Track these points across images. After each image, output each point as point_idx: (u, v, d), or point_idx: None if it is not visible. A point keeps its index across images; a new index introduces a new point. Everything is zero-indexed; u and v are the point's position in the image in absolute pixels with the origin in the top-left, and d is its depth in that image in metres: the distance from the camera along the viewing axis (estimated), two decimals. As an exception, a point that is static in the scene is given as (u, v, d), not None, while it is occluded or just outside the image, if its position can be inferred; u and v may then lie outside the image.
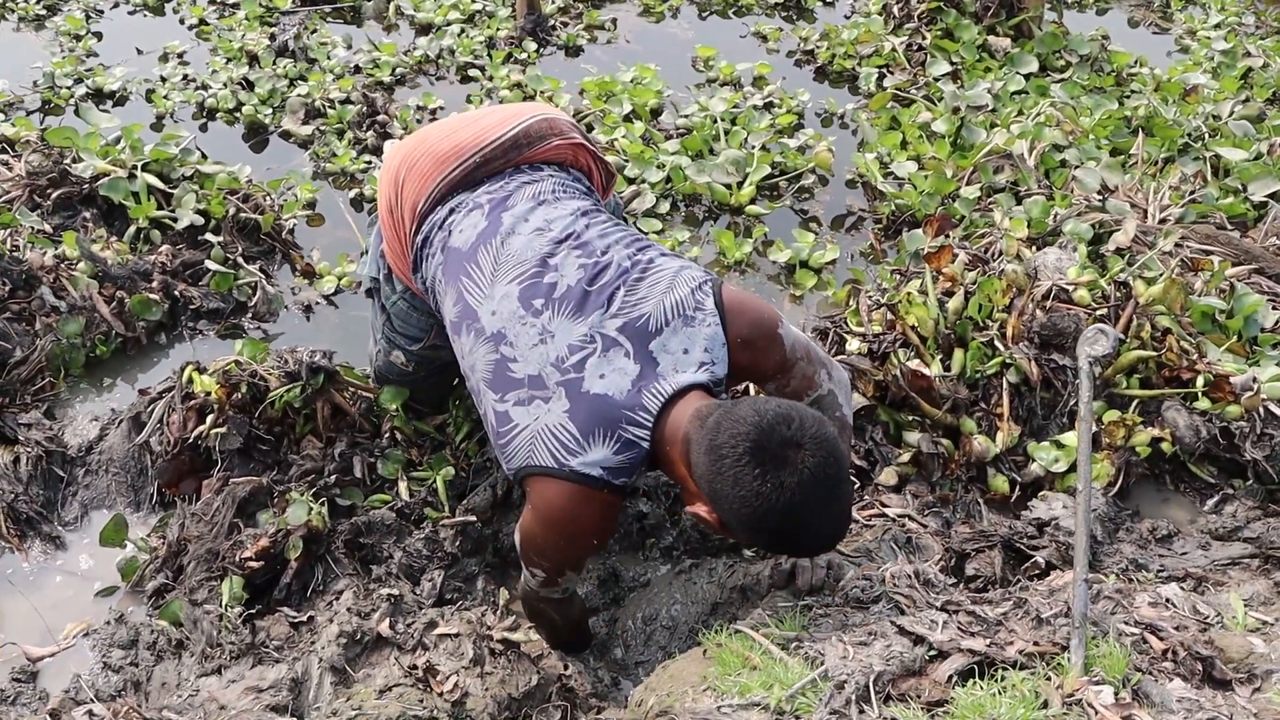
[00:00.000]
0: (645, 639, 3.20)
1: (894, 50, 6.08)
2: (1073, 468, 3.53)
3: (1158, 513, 3.58)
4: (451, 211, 2.91)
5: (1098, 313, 3.76)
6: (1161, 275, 3.89)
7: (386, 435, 3.54)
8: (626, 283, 2.62)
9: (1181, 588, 2.95)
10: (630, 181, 5.09)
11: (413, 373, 3.45)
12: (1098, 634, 2.55)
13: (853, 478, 3.57)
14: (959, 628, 2.64)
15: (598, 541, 2.65)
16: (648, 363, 2.54)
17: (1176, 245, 4.12)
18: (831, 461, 2.33)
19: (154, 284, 4.25)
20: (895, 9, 6.38)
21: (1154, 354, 3.66)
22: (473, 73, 6.11)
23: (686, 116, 5.57)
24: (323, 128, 5.50)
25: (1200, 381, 3.64)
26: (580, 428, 2.48)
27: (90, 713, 2.55)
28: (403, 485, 3.43)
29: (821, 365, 2.80)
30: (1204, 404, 3.62)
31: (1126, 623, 2.67)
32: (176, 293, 4.30)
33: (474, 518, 3.34)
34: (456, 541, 3.30)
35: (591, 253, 2.68)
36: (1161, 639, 2.61)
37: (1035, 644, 2.54)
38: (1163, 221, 4.34)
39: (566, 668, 2.98)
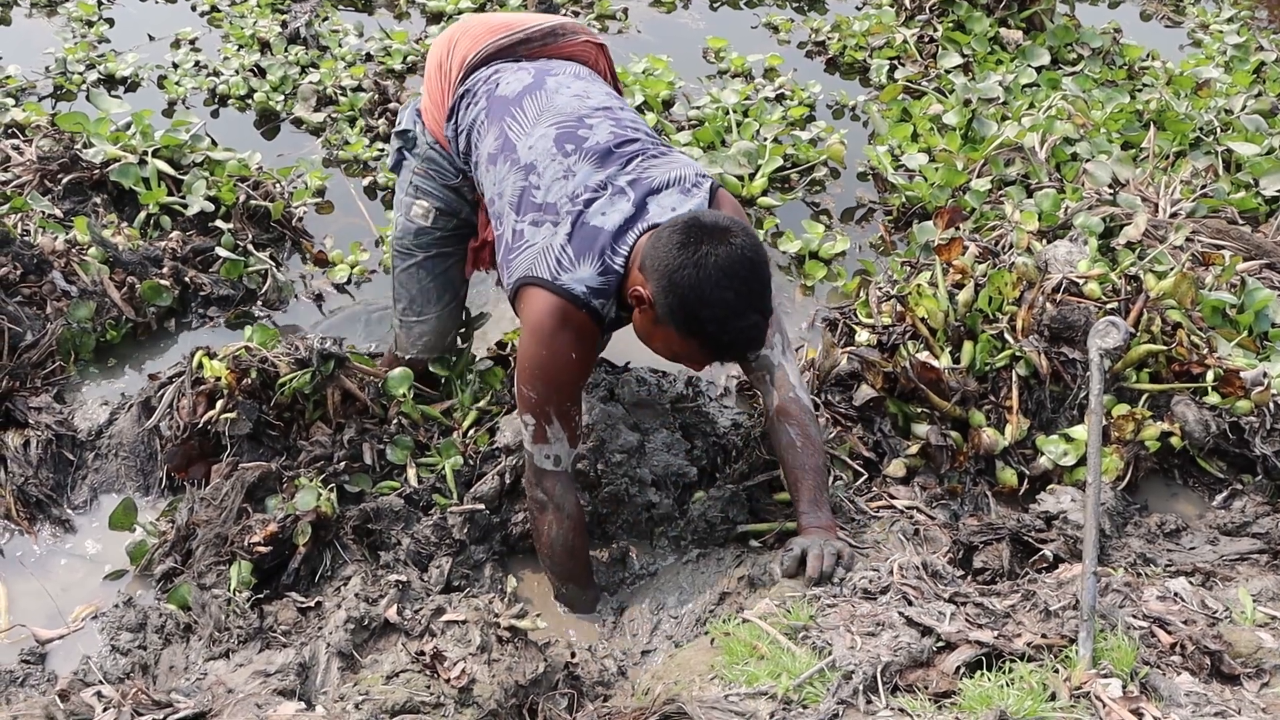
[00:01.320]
0: (652, 628, 3.20)
1: (905, 42, 6.06)
2: (1081, 461, 3.53)
3: (1166, 507, 3.59)
4: (497, 70, 3.27)
5: (1108, 306, 3.74)
6: (1172, 269, 3.88)
7: (395, 421, 3.55)
8: (645, 156, 3.02)
9: (1190, 582, 2.95)
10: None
11: (430, 228, 3.52)
12: (1106, 627, 2.56)
13: (862, 467, 3.58)
14: (967, 619, 2.66)
15: (576, 357, 2.95)
16: (641, 209, 2.92)
17: (1187, 240, 4.11)
18: (757, 251, 2.73)
19: (164, 270, 4.25)
20: (907, 1, 6.35)
21: (1164, 348, 3.66)
22: (483, 61, 6.08)
23: (698, 108, 5.56)
24: (334, 115, 5.50)
25: (1210, 376, 3.64)
26: (575, 250, 2.89)
27: (99, 694, 2.53)
28: (411, 471, 3.44)
29: (778, 332, 3.12)
30: (1214, 399, 3.62)
31: (1135, 616, 2.68)
32: (187, 279, 4.30)
33: (482, 505, 3.35)
34: (464, 529, 3.30)
35: (623, 126, 3.08)
36: (1170, 633, 2.62)
37: (1043, 636, 2.55)
38: (1174, 216, 4.33)
39: (573, 655, 2.98)
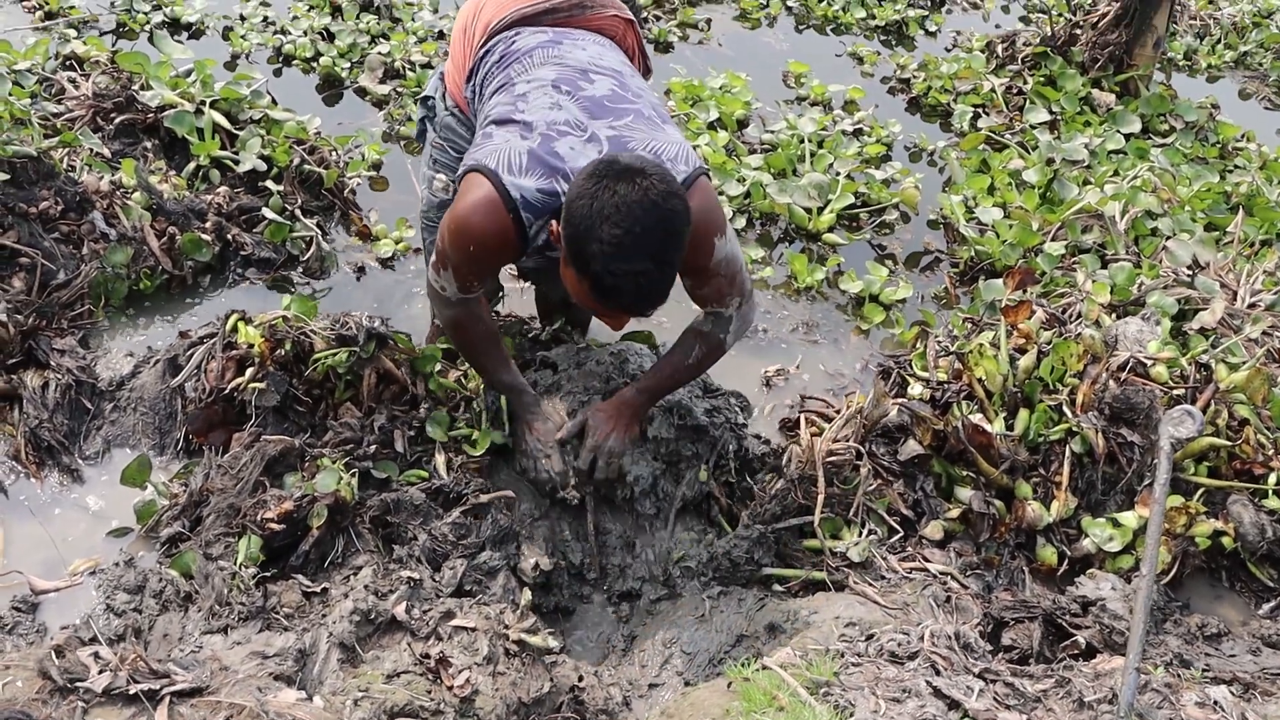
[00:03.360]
0: (663, 661, 3.12)
1: (993, 91, 5.97)
2: (1127, 549, 3.43)
3: (1209, 609, 3.48)
4: (518, 32, 3.24)
5: (1174, 392, 3.63)
6: (1246, 363, 3.76)
7: (424, 399, 3.47)
8: (638, 121, 2.95)
9: (1231, 692, 2.85)
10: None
11: (451, 200, 3.44)
12: None
13: (898, 524, 3.46)
14: (995, 698, 2.61)
15: (488, 250, 2.94)
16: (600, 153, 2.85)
17: (1264, 333, 3.98)
18: (669, 200, 2.58)
19: (207, 224, 4.19)
20: (999, 48, 6.27)
21: (1228, 444, 3.55)
22: (558, 55, 6.01)
23: (773, 132, 5.47)
24: (399, 89, 5.43)
25: (1273, 479, 3.53)
26: (529, 162, 2.83)
27: (96, 654, 2.46)
28: (440, 460, 3.32)
29: (739, 294, 3.10)
30: (1273, 503, 3.50)
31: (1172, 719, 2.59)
32: (229, 236, 4.23)
33: (510, 492, 3.28)
34: (488, 527, 3.21)
35: (625, 89, 3.04)
36: (1207, 742, 2.53)
37: None
38: (1252, 306, 4.20)
39: (581, 679, 2.91)
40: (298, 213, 4.43)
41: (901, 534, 3.48)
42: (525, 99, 2.97)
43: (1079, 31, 6.13)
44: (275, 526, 3.02)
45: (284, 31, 5.77)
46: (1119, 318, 4.04)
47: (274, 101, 4.90)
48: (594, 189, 2.57)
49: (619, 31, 3.42)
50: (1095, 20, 6.07)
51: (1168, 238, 4.69)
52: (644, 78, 3.44)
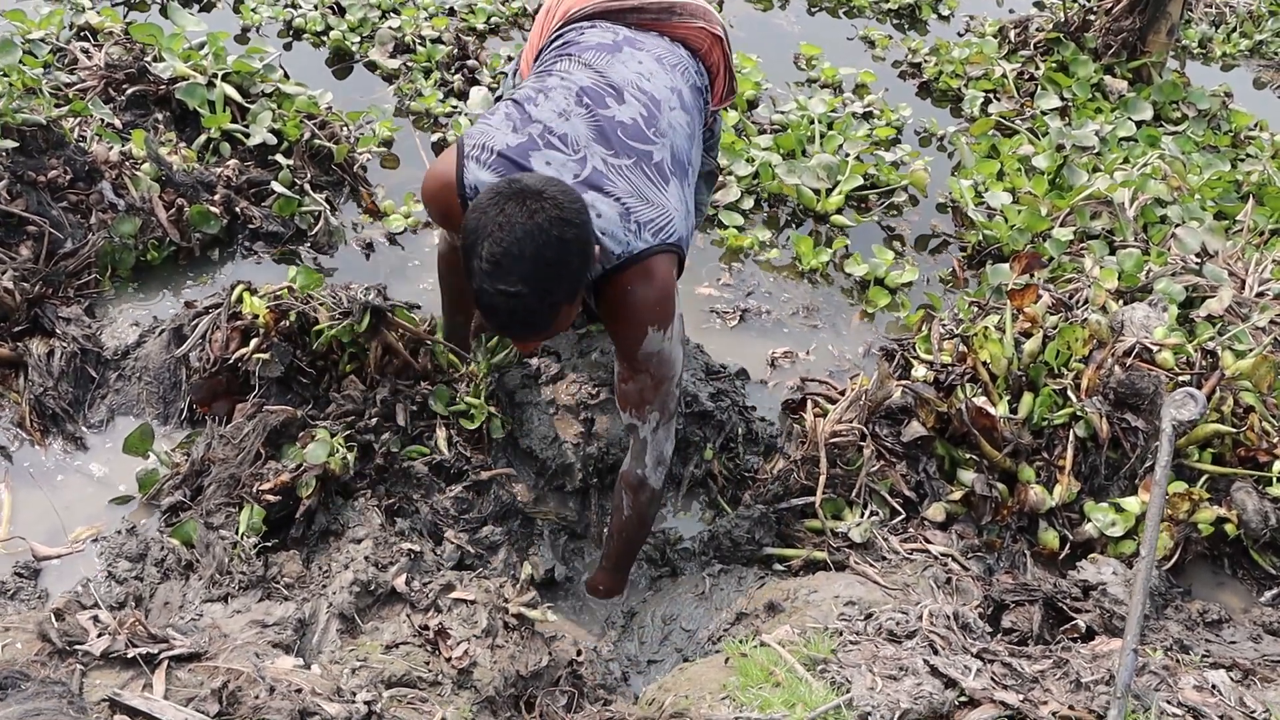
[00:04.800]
0: (662, 638, 3.15)
1: (1004, 76, 5.93)
2: (1128, 534, 3.43)
3: (1210, 595, 3.48)
4: (594, 25, 3.15)
5: (1180, 378, 3.62)
6: (1252, 350, 3.74)
7: (431, 372, 3.48)
8: (637, 168, 2.82)
9: (1230, 677, 2.85)
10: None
11: None
12: (1139, 708, 2.51)
13: (900, 505, 3.46)
14: (993, 678, 2.60)
15: (433, 214, 3.04)
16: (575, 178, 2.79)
17: (1272, 322, 3.96)
18: (559, 227, 2.52)
19: (216, 197, 4.18)
20: (1012, 33, 6.23)
21: (1233, 430, 3.54)
22: (568, 35, 5.99)
23: (783, 113, 5.44)
24: (410, 64, 5.41)
25: (1277, 466, 3.51)
26: (498, 158, 2.77)
27: (96, 619, 2.47)
28: (441, 436, 3.33)
29: (660, 410, 2.94)
30: (1277, 490, 3.49)
31: (1169, 702, 2.61)
32: (238, 209, 4.23)
33: (513, 470, 3.30)
34: (488, 503, 3.21)
35: (653, 122, 2.90)
36: (1204, 727, 2.55)
37: (1071, 708, 2.49)
38: (1260, 294, 4.18)
39: (579, 653, 2.93)
40: (307, 187, 4.42)
41: (903, 515, 3.48)
42: (547, 94, 2.88)
43: (1093, 18, 6.08)
44: (271, 498, 3.03)
45: (295, 5, 5.75)
46: (1126, 304, 4.03)
47: (285, 75, 4.88)
48: (487, 204, 2.55)
49: (704, 45, 3.24)
50: (1109, 6, 6.02)
51: (1177, 225, 4.66)
52: (726, 98, 3.38)
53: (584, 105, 2.85)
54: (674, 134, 2.94)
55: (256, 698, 2.31)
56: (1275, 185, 5.01)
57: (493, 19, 5.94)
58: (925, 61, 6.19)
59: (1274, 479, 3.50)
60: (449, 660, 2.67)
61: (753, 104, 5.54)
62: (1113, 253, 4.50)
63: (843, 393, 3.80)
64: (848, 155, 5.11)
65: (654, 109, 2.92)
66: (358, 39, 5.56)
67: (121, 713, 2.21)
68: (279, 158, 4.44)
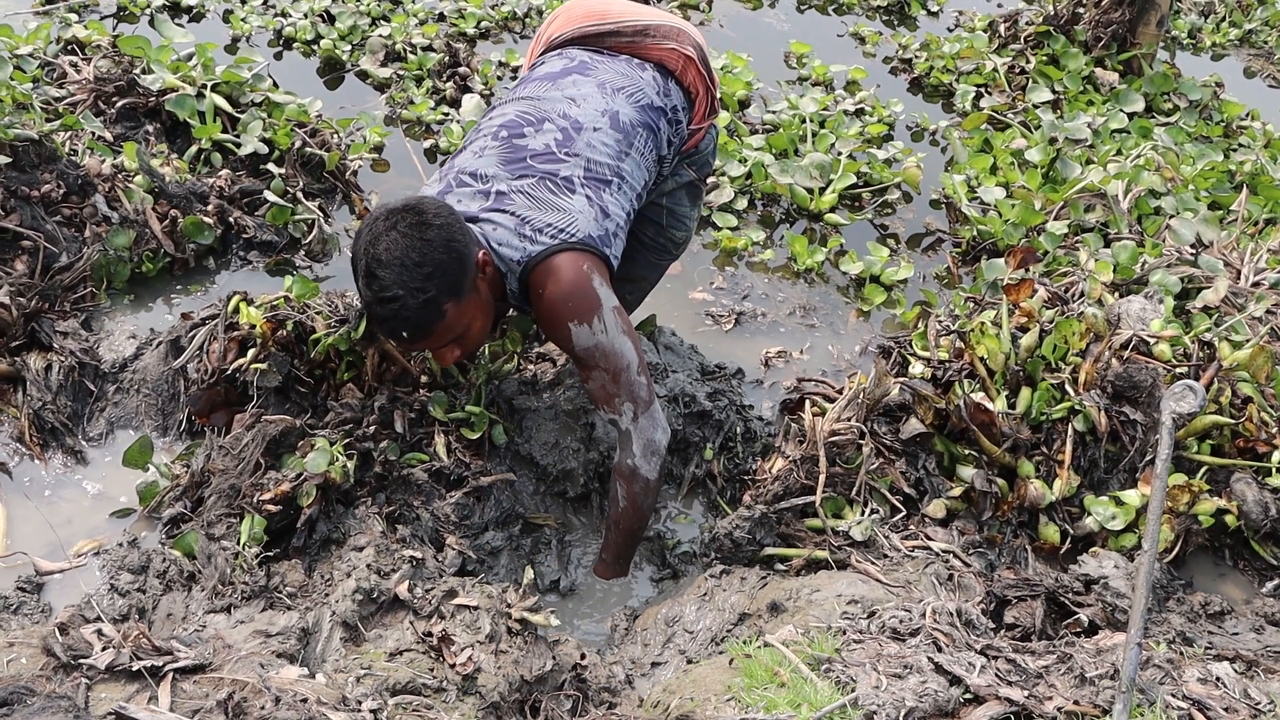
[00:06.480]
0: (666, 640, 3.13)
1: (995, 70, 5.94)
2: (1129, 527, 3.42)
3: (1212, 587, 3.48)
4: (562, 53, 3.37)
5: (1177, 370, 3.62)
6: (1249, 341, 3.74)
7: (425, 378, 3.47)
8: (539, 186, 3.03)
9: (1234, 668, 2.84)
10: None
11: None
12: (1144, 702, 2.49)
13: (901, 503, 3.46)
14: (997, 674, 2.59)
15: None
16: (473, 219, 3.03)
17: (1268, 312, 3.97)
18: (422, 229, 2.77)
19: (209, 207, 4.18)
20: (1002, 27, 6.24)
21: (1231, 421, 3.54)
22: (558, 37, 5.99)
23: (774, 113, 5.45)
24: (401, 72, 5.41)
25: (1276, 457, 3.51)
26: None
27: (99, 632, 2.46)
28: (440, 442, 3.33)
29: (631, 400, 3.05)
30: (1277, 481, 3.49)
31: (1174, 695, 2.59)
32: (231, 219, 4.23)
33: (513, 476, 3.29)
34: (489, 509, 3.21)
35: (566, 144, 3.10)
36: (1209, 718, 2.52)
37: (1076, 703, 2.47)
38: (1256, 284, 4.18)
39: (583, 657, 2.92)
40: (300, 196, 4.42)
41: (904, 513, 3.47)
42: (474, 138, 3.18)
43: (1082, 10, 6.09)
44: (272, 508, 3.02)
45: (284, 14, 5.75)
46: (1122, 296, 4.03)
47: (275, 84, 4.88)
48: (362, 230, 2.83)
49: (678, 66, 3.37)
50: (1098, -1, 6.05)
51: (1171, 216, 4.67)
52: (706, 116, 3.49)
53: (500, 139, 3.12)
54: (592, 152, 3.12)
55: (262, 708, 2.30)
56: (1268, 175, 5.02)
57: (483, 23, 5.94)
58: (916, 57, 6.21)
59: (1273, 470, 3.49)
60: (453, 666, 2.65)
61: (744, 104, 5.55)
62: (1107, 245, 4.51)
63: (840, 391, 3.80)
64: (840, 153, 5.11)
65: (571, 132, 3.12)
66: (348, 47, 5.56)
67: (127, 726, 2.21)
68: (271, 166, 4.44)
